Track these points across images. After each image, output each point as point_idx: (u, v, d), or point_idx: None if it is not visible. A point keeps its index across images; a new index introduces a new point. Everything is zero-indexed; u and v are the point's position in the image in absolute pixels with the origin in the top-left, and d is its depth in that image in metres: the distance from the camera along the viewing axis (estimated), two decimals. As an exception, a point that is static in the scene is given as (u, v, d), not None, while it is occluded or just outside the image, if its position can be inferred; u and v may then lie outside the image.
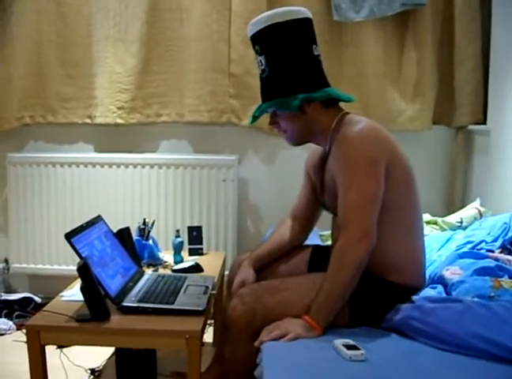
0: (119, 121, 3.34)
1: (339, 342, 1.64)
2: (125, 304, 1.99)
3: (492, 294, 1.80)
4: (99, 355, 2.67)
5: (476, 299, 1.78)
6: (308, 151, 2.24)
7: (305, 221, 2.26)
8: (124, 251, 2.33)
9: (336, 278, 1.79)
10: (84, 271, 1.86)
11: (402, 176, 1.92)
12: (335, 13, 3.19)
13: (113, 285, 2.04)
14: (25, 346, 1.92)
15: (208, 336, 2.87)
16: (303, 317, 1.77)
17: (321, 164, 2.08)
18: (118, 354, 2.46)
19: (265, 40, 1.93)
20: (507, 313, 1.64)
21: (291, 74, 1.93)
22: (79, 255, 1.93)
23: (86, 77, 3.37)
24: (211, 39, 3.27)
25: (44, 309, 2.04)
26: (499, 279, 1.88)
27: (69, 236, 1.95)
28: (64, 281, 2.43)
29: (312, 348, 1.66)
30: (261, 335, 1.75)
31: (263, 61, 1.94)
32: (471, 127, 3.33)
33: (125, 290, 2.10)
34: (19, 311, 3.23)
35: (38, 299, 3.31)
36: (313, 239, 2.42)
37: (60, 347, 2.71)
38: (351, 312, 1.86)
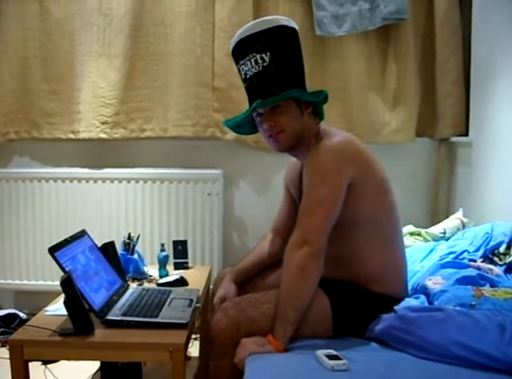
0: (103, 135, 3.34)
1: (321, 352, 1.65)
2: (109, 317, 1.98)
3: (474, 302, 1.82)
4: (85, 371, 2.65)
5: (457, 308, 1.79)
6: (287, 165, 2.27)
7: (286, 235, 2.22)
8: (109, 265, 2.32)
9: (282, 284, 1.82)
10: (67, 285, 1.85)
11: (376, 189, 1.95)
12: (317, 28, 3.23)
13: (97, 299, 2.03)
14: (9, 362, 1.90)
15: (195, 350, 2.86)
16: None
17: (299, 179, 2.09)
18: (104, 369, 2.45)
19: (273, 38, 1.93)
20: (488, 321, 1.65)
21: (300, 70, 1.99)
22: (62, 269, 1.93)
23: (70, 92, 3.38)
24: (194, 53, 3.29)
25: (28, 323, 2.03)
26: (481, 288, 1.90)
27: (52, 250, 1.94)
28: (49, 297, 2.41)
29: (295, 358, 1.67)
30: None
31: (266, 58, 1.92)
32: (453, 139, 3.36)
33: (109, 304, 2.09)
34: (3, 327, 3.21)
35: (23, 315, 3.29)
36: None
37: (45, 362, 2.70)
38: (334, 323, 1.88)
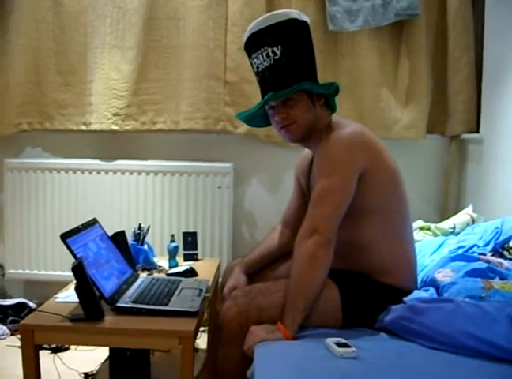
0: (114, 127, 3.35)
1: (330, 340, 1.65)
2: (119, 305, 2.00)
3: (483, 294, 1.82)
4: (93, 359, 2.67)
5: (467, 299, 1.79)
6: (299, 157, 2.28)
7: (296, 227, 2.21)
8: (119, 254, 2.34)
9: (292, 272, 1.83)
10: (78, 270, 1.87)
11: (386, 179, 1.95)
12: (330, 23, 3.22)
13: (107, 286, 2.05)
14: (19, 351, 1.93)
15: (203, 342, 2.86)
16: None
17: (309, 170, 2.11)
18: (112, 358, 2.46)
19: (284, 32, 1.95)
20: (498, 312, 1.65)
21: (311, 62, 2.01)
22: (74, 255, 1.95)
23: (83, 84, 3.40)
24: (207, 47, 3.30)
25: (39, 309, 2.05)
26: (490, 281, 1.90)
27: (64, 237, 1.96)
28: (59, 286, 2.42)
29: (304, 346, 1.68)
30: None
31: (277, 52, 1.94)
32: (464, 136, 3.36)
33: (119, 292, 2.11)
34: (13, 316, 3.23)
35: (33, 305, 3.30)
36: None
37: (54, 351, 2.72)
38: (344, 313, 1.88)
